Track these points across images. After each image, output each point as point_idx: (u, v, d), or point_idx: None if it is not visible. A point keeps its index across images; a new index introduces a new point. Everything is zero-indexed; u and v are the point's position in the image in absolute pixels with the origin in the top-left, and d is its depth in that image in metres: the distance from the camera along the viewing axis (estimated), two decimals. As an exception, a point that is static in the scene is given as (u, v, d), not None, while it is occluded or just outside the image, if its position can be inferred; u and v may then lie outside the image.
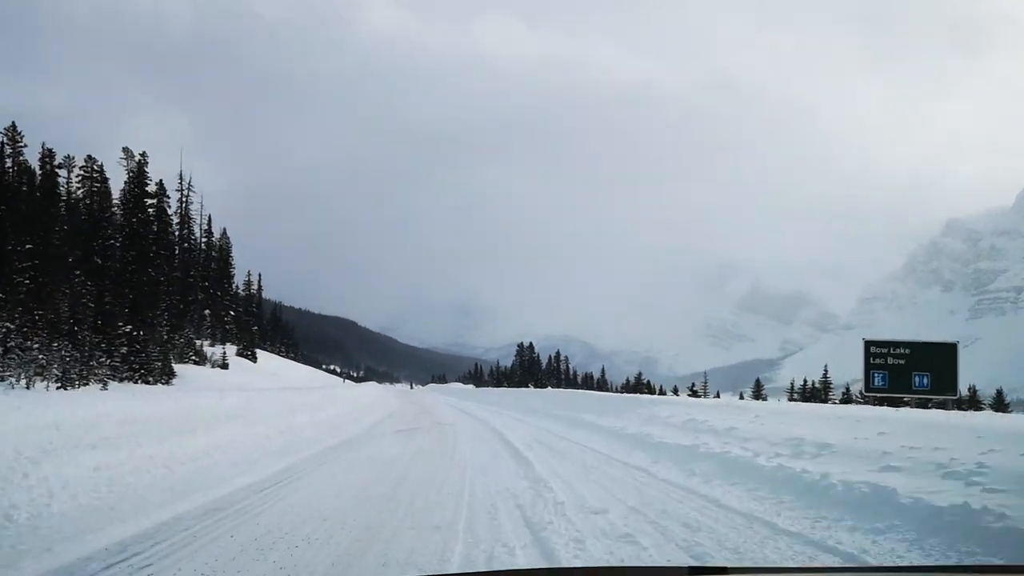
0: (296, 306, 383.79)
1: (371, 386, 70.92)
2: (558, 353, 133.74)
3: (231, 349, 57.42)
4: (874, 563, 5.91)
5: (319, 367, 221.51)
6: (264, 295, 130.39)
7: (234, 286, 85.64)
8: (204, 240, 67.82)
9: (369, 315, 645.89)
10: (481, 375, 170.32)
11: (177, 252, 59.52)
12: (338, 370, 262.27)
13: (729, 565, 2.60)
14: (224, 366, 47.63)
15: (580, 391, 53.21)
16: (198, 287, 65.45)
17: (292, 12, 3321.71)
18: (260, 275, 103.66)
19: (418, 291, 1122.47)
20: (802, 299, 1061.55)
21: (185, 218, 61.22)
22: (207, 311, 65.44)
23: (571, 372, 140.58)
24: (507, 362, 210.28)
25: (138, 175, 53.65)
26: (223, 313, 70.18)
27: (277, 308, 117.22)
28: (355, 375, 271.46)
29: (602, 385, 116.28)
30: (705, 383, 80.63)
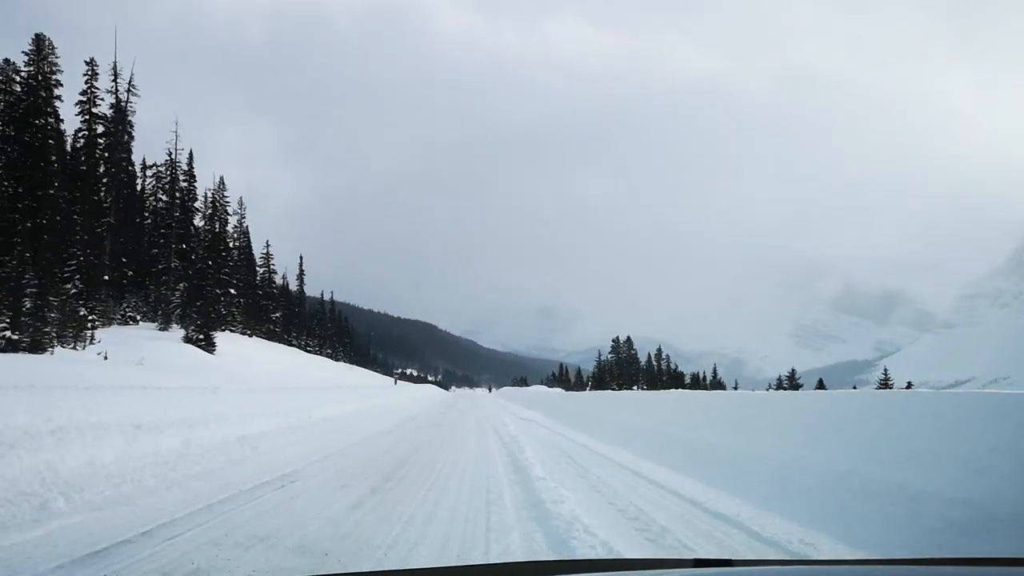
0: (376, 309, 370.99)
1: (415, 391, 50.31)
2: (659, 350, 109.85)
3: (178, 333, 36.60)
4: (883, 555, 5.18)
5: (392, 370, 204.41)
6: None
7: (261, 272, 65.92)
8: (175, 180, 47.40)
9: (451, 319, 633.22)
10: (567, 377, 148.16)
11: (109, 195, 39.18)
12: (414, 373, 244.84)
13: (734, 558, 2.45)
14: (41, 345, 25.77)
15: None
16: (172, 249, 45.38)
17: (364, 20, 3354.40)
18: (301, 257, 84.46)
19: (500, 295, 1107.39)
20: (897, 297, 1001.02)
21: (119, 133, 40.58)
22: (183, 284, 45.27)
23: (673, 370, 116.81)
24: (588, 366, 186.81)
25: (37, 60, 33.63)
26: (218, 292, 50.08)
27: (325, 303, 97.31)
28: (431, 379, 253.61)
29: (717, 387, 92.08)
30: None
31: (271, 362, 37.99)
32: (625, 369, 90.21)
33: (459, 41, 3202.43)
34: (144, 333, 33.07)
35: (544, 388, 66.65)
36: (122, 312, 35.81)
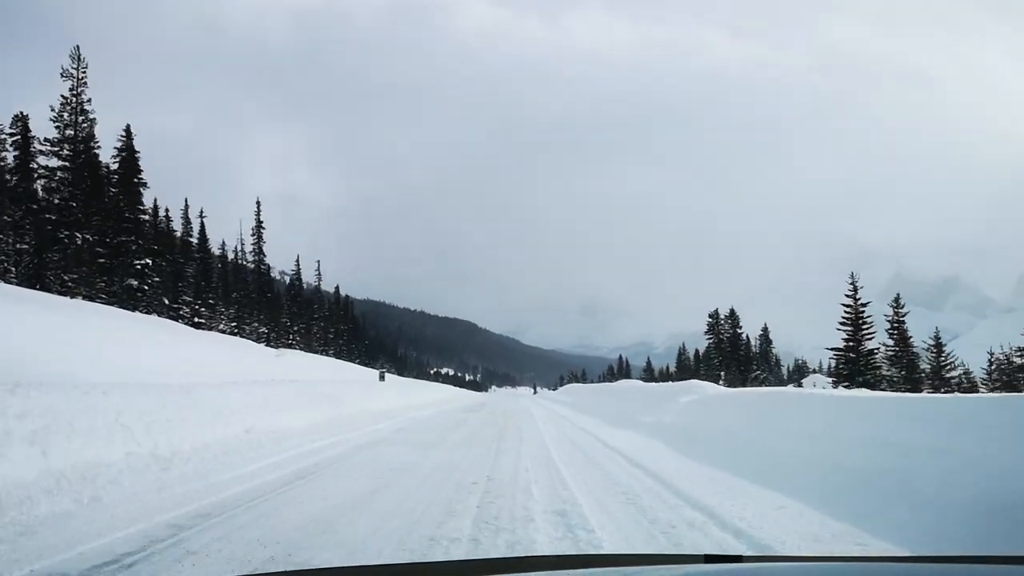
0: (411, 307, 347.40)
1: (390, 401, 25.09)
2: (766, 330, 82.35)
3: None
4: (895, 552, 4.94)
5: (428, 370, 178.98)
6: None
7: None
8: None
9: (492, 317, 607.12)
10: (628, 371, 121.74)
11: None
12: (451, 372, 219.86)
13: (744, 553, 2.40)
14: None
15: None
16: None
17: (387, 19, 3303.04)
18: (258, 202, 60.34)
19: (542, 293, 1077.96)
20: (953, 283, 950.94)
21: None
22: None
23: (775, 360, 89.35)
24: (635, 361, 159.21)
25: None
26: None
27: (324, 292, 71.99)
28: (469, 378, 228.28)
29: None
30: None
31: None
32: (729, 354, 63.07)
33: (485, 36, 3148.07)
34: None
35: (638, 383, 39.84)
36: None
